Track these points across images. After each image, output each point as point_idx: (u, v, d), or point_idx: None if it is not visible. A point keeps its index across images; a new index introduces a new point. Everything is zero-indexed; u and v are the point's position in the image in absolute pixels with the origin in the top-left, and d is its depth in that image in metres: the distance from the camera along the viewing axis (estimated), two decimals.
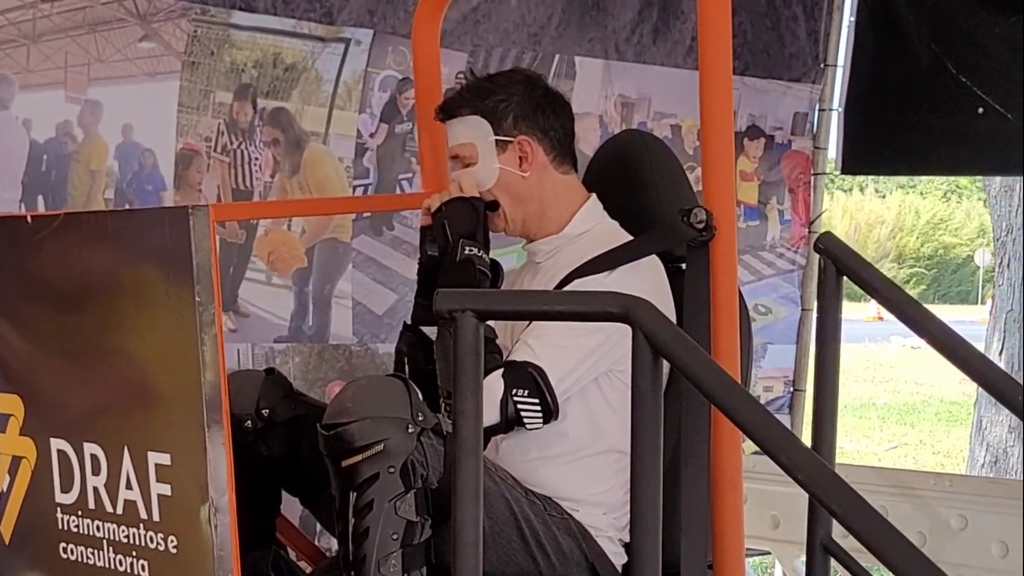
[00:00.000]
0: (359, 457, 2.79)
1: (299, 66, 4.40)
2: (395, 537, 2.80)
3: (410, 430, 2.81)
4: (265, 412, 3.14)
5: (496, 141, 3.17)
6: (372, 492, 2.79)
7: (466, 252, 3.08)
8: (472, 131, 3.18)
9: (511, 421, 2.95)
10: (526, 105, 3.18)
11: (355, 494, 2.81)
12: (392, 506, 2.79)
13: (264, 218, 4.28)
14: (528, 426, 2.96)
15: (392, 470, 2.79)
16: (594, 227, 3.22)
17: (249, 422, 3.11)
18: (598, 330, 2.94)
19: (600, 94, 5.11)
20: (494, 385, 2.92)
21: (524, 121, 3.17)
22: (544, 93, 3.23)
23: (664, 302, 3.02)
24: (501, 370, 2.96)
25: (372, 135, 4.57)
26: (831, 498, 2.06)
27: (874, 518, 2.00)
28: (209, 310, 2.44)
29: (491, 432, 2.96)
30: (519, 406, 2.94)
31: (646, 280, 3.05)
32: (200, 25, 4.18)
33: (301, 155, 4.44)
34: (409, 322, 3.27)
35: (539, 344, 2.99)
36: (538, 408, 2.94)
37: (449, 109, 3.23)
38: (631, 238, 3.15)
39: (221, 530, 2.47)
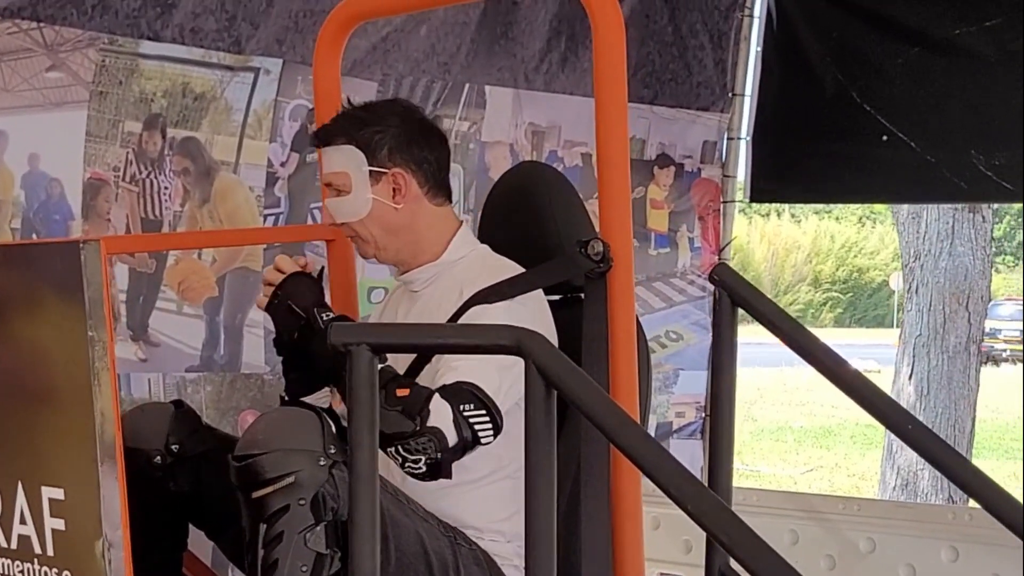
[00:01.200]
0: (270, 489, 2.79)
1: (208, 95, 4.39)
2: (304, 569, 2.79)
3: (321, 463, 2.80)
4: (175, 447, 3.12)
5: (370, 172, 3.17)
6: (282, 524, 2.78)
7: (324, 318, 3.06)
8: (346, 160, 3.18)
9: (468, 442, 2.91)
10: (401, 137, 3.18)
11: (265, 525, 2.80)
12: (302, 538, 2.78)
13: (159, 250, 4.25)
14: (483, 441, 2.93)
15: (303, 502, 2.78)
16: (469, 252, 3.24)
17: (159, 457, 3.09)
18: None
19: (511, 123, 5.12)
20: (439, 407, 2.89)
21: (399, 153, 3.18)
22: (420, 126, 3.24)
23: (549, 335, 3.03)
24: (436, 394, 2.94)
25: (283, 164, 4.55)
26: (720, 529, 2.08)
27: (761, 548, 2.02)
28: (102, 345, 2.43)
29: (453, 456, 2.90)
30: (471, 420, 2.91)
31: (538, 311, 3.07)
32: (108, 55, 4.16)
33: (211, 184, 4.42)
34: (286, 396, 3.19)
35: (462, 366, 2.97)
36: (488, 421, 2.92)
37: (324, 136, 3.23)
38: (509, 262, 3.17)
39: (116, 565, 2.46)
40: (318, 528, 2.79)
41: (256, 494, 2.80)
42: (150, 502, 3.00)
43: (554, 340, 3.00)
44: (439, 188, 3.24)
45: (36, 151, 4.08)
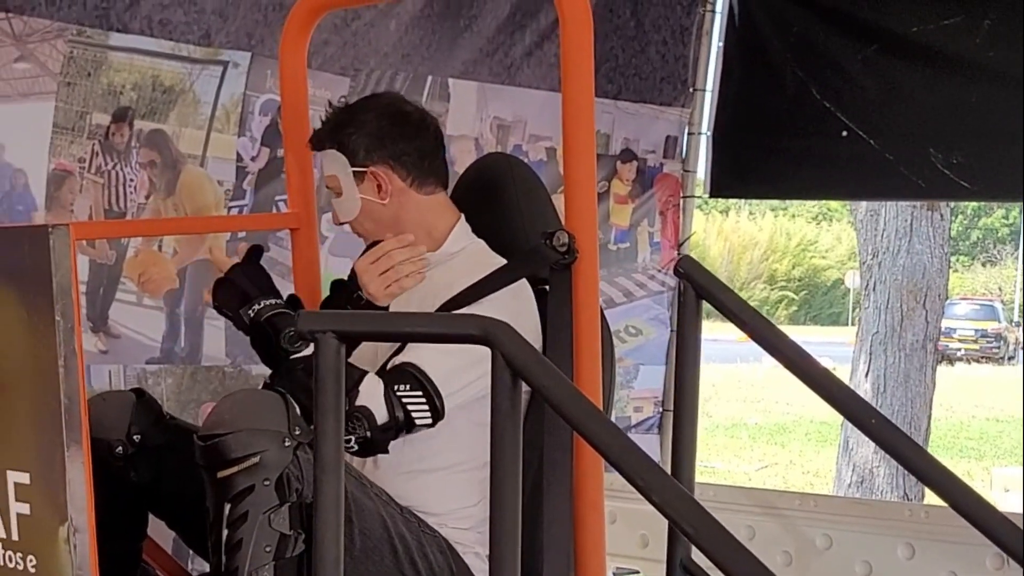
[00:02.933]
0: (235, 469, 2.80)
1: (177, 88, 4.38)
2: (268, 549, 2.81)
3: (286, 444, 2.82)
4: (136, 438, 3.12)
5: (353, 172, 3.22)
6: (247, 504, 2.80)
7: (251, 313, 3.11)
8: (333, 164, 3.23)
9: (400, 422, 2.94)
10: (373, 135, 3.21)
11: (229, 505, 2.81)
12: (266, 518, 2.80)
13: (127, 236, 4.24)
14: (418, 422, 2.95)
15: (267, 483, 2.80)
16: (467, 246, 3.25)
17: (120, 448, 3.09)
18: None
19: (475, 116, 5.13)
20: (371, 387, 2.93)
21: (375, 151, 3.21)
22: (393, 119, 3.24)
23: (533, 326, 3.05)
24: (373, 372, 2.97)
25: (254, 159, 4.55)
26: (685, 520, 2.09)
27: (727, 541, 2.04)
28: (69, 330, 2.43)
29: (385, 435, 2.94)
30: (404, 400, 2.94)
31: (517, 305, 3.08)
32: (76, 46, 4.14)
33: (177, 177, 4.41)
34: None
35: (415, 351, 3.00)
36: (423, 402, 2.95)
37: (316, 143, 3.30)
38: (501, 260, 3.18)
39: (80, 550, 2.46)
40: (282, 509, 2.81)
41: (221, 474, 2.81)
42: (110, 491, 2.99)
43: (537, 333, 3.03)
44: (425, 176, 3.25)
45: (1, 142, 4.07)
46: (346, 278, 3.26)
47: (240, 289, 3.16)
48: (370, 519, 2.99)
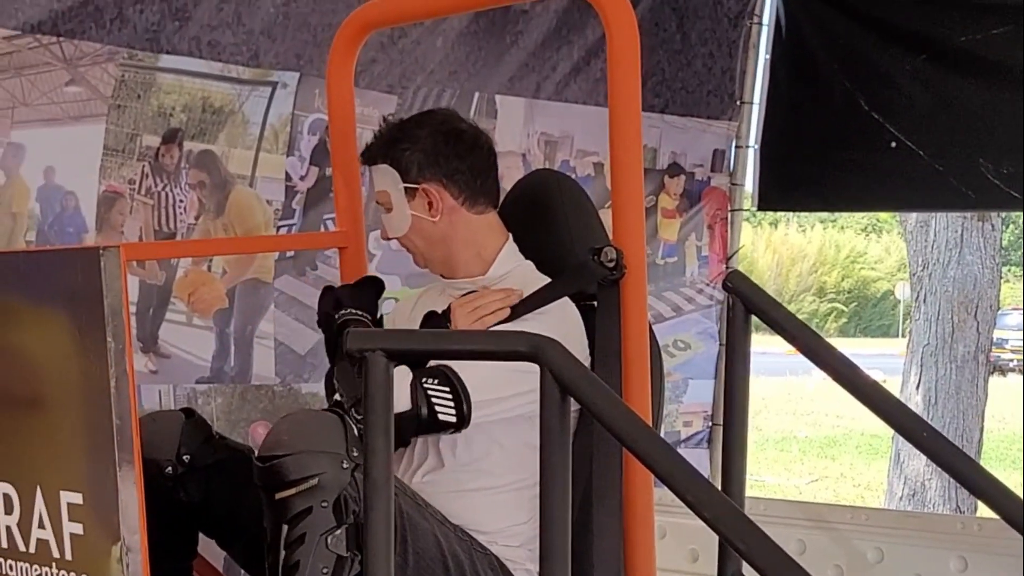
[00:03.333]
0: (293, 490, 2.81)
1: (227, 109, 4.39)
2: (325, 571, 2.81)
3: (344, 465, 2.82)
4: (186, 458, 3.13)
5: (405, 189, 3.21)
6: (304, 526, 2.80)
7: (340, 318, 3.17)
8: (385, 179, 3.23)
9: (424, 414, 2.94)
10: (428, 153, 3.20)
11: (287, 527, 2.82)
12: (323, 540, 2.80)
13: (176, 257, 4.26)
14: (441, 418, 2.95)
15: (325, 504, 2.81)
16: (514, 269, 3.25)
17: (170, 468, 3.11)
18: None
19: (522, 132, 5.13)
20: (400, 376, 2.88)
21: (428, 168, 3.20)
22: (447, 137, 3.24)
23: (579, 342, 3.05)
24: (404, 366, 2.96)
25: (303, 178, 4.56)
26: (735, 535, 2.08)
27: (777, 554, 2.03)
28: (120, 351, 2.44)
29: (403, 424, 2.89)
30: (430, 394, 2.94)
31: (564, 322, 3.08)
32: (128, 69, 4.16)
33: (226, 197, 4.43)
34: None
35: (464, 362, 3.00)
36: (450, 401, 2.95)
37: (368, 157, 3.28)
38: (548, 280, 3.18)
39: (133, 569, 2.47)
40: (339, 531, 2.81)
41: (279, 495, 2.82)
42: (160, 511, 3.00)
43: (585, 349, 3.03)
44: (477, 196, 3.25)
45: (52, 164, 4.09)
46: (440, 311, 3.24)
47: (336, 298, 3.20)
48: (424, 539, 2.99)
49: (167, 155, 4.27)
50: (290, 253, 4.54)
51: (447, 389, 2.95)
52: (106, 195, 4.17)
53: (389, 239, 3.31)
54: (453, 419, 2.97)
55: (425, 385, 2.94)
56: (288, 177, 4.52)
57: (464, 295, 3.18)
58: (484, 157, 3.28)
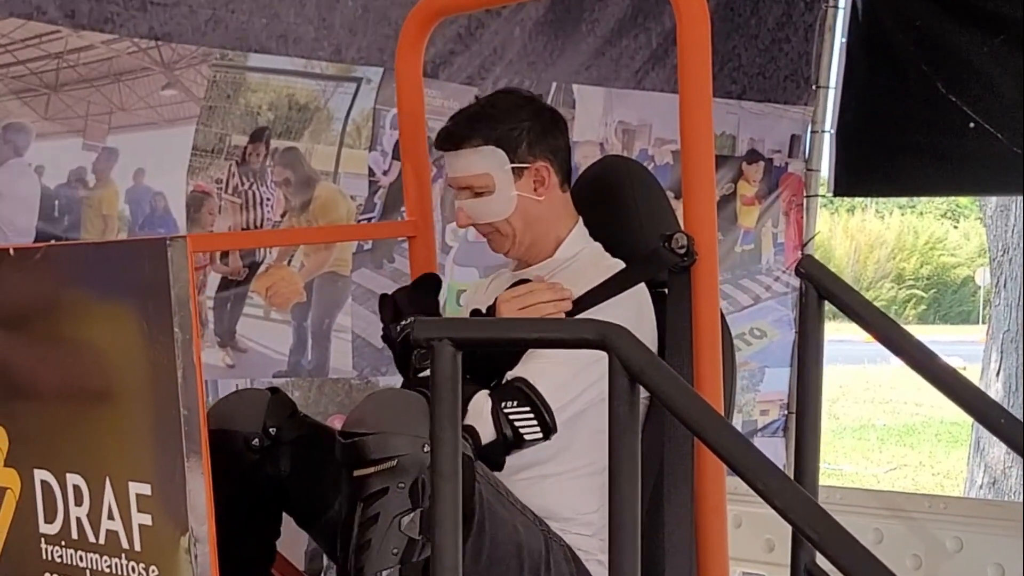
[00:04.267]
0: (371, 469, 2.80)
1: (312, 106, 4.40)
2: (395, 552, 2.80)
3: (425, 449, 2.79)
4: (272, 430, 3.13)
5: (512, 169, 3.15)
6: (378, 505, 2.80)
7: (402, 328, 3.13)
8: (487, 161, 3.15)
9: (509, 437, 2.94)
10: (537, 130, 3.17)
11: (362, 505, 2.81)
12: (397, 522, 2.79)
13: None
14: (527, 438, 2.95)
15: (402, 486, 2.79)
16: (582, 251, 3.23)
17: (256, 440, 3.11)
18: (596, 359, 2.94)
19: (601, 122, 5.11)
20: (479, 401, 2.94)
21: (538, 146, 3.17)
22: (550, 114, 3.24)
23: (651, 330, 3.02)
24: (485, 391, 2.97)
25: (385, 173, 4.56)
26: (808, 524, 2.05)
27: (852, 545, 1.99)
28: (187, 341, 2.44)
29: (493, 452, 2.95)
30: (511, 417, 2.94)
31: (637, 311, 3.06)
32: (219, 70, 4.18)
33: (311, 194, 4.43)
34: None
35: (528, 365, 3.00)
36: (532, 418, 2.94)
37: (457, 140, 3.19)
38: (617, 262, 3.15)
39: (201, 560, 2.47)
40: (413, 513, 2.80)
41: (357, 473, 2.81)
42: (246, 486, 3.04)
43: (655, 337, 3.01)
44: (568, 174, 3.24)
45: (142, 166, 4.11)
46: (483, 310, 3.22)
47: (395, 307, 3.17)
48: (502, 528, 2.97)
49: (253, 154, 4.29)
50: (367, 246, 4.54)
51: (527, 408, 2.95)
52: (194, 195, 4.20)
53: (472, 225, 3.24)
54: (539, 435, 2.97)
55: (506, 410, 2.94)
56: (371, 172, 4.52)
57: (511, 287, 3.15)
58: (567, 136, 3.27)
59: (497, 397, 2.96)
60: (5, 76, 3.84)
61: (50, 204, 3.94)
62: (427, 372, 2.93)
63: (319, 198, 4.44)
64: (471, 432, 2.91)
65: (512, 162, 3.15)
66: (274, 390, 3.23)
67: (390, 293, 3.26)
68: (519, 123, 3.16)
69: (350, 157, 4.49)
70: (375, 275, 4.57)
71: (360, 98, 4.46)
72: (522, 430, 2.95)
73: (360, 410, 2.89)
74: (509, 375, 3.01)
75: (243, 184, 4.28)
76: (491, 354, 3.05)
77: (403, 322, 3.12)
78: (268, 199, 4.34)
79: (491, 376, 3.06)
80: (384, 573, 2.80)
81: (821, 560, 2.93)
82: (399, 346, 3.11)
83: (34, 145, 3.91)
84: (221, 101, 4.20)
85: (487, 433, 2.93)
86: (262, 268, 4.36)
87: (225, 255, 4.29)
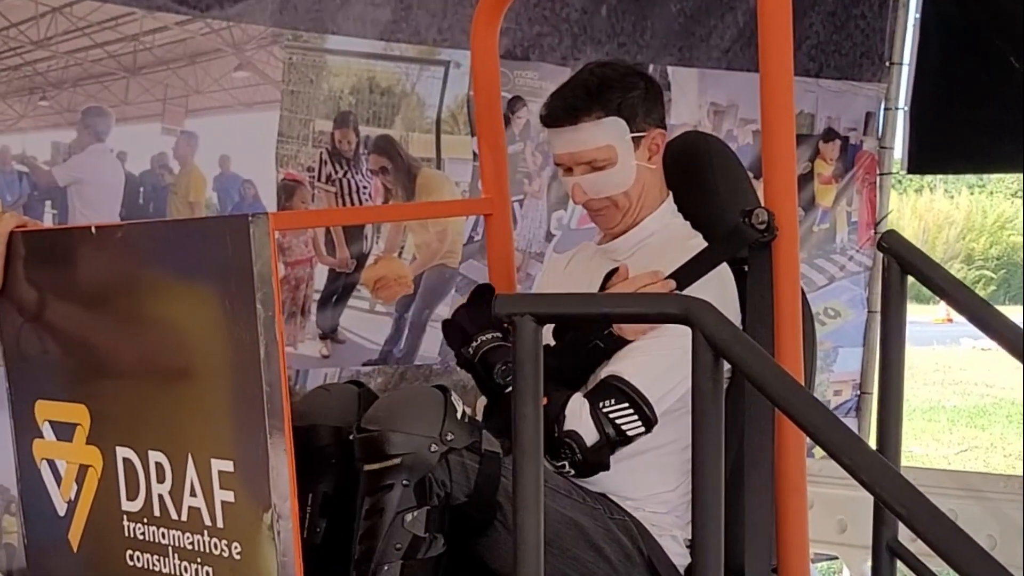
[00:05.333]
0: (377, 465, 2.84)
1: (395, 90, 4.38)
2: (398, 548, 2.83)
3: (433, 449, 2.83)
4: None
5: (632, 138, 3.12)
6: (384, 501, 2.83)
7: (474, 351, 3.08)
8: (608, 133, 3.10)
9: (613, 437, 2.94)
10: (650, 97, 3.16)
11: (369, 498, 2.85)
12: (400, 518, 2.82)
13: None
14: (630, 433, 2.95)
15: (407, 483, 2.82)
16: (669, 223, 3.21)
17: (351, 435, 3.11)
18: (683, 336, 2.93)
19: (696, 104, 5.09)
20: (576, 404, 2.94)
21: (653, 114, 3.16)
22: (653, 82, 3.23)
23: (734, 307, 3.01)
24: (580, 392, 2.98)
25: None
26: (896, 499, 2.04)
27: (940, 519, 1.99)
28: (270, 318, 2.44)
29: (599, 453, 2.95)
30: (611, 415, 2.94)
31: (722, 289, 3.04)
32: (295, 52, 4.17)
33: (413, 181, 4.43)
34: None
35: (621, 362, 2.99)
36: (632, 413, 2.94)
37: (574, 113, 3.13)
38: (699, 239, 3.14)
39: (284, 536, 2.48)
40: (418, 511, 2.82)
41: (367, 467, 2.86)
42: (345, 477, 3.03)
43: (738, 313, 2.99)
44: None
45: (226, 153, 4.12)
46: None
47: (461, 328, 3.14)
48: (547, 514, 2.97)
49: (343, 140, 4.28)
50: (478, 237, 4.51)
51: (625, 404, 2.94)
52: (285, 183, 4.19)
53: (592, 200, 3.18)
54: (642, 429, 2.97)
55: (604, 410, 2.94)
56: (475, 157, 4.50)
57: (607, 276, 3.10)
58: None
59: (594, 398, 2.95)
60: (84, 60, 3.86)
61: (135, 190, 3.96)
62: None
63: (423, 185, 4.43)
64: (574, 437, 2.93)
65: (632, 131, 3.12)
66: (359, 384, 3.22)
67: (449, 317, 3.23)
68: (633, 91, 3.14)
69: (451, 143, 4.47)
70: (481, 266, 4.54)
71: (452, 84, 4.43)
72: (624, 426, 2.94)
73: (376, 407, 2.93)
74: (602, 374, 3.00)
75: (336, 172, 4.27)
76: (580, 355, 3.04)
77: (474, 343, 3.08)
78: (365, 187, 4.33)
79: (580, 379, 3.06)
80: (386, 567, 2.83)
81: (902, 537, 2.92)
82: (479, 367, 3.07)
83: (115, 130, 3.92)
84: (304, 86, 4.19)
85: (590, 435, 2.93)
86: (370, 260, 4.36)
87: (331, 247, 4.29)
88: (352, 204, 4.29)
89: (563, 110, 3.14)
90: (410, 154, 4.39)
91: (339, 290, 4.32)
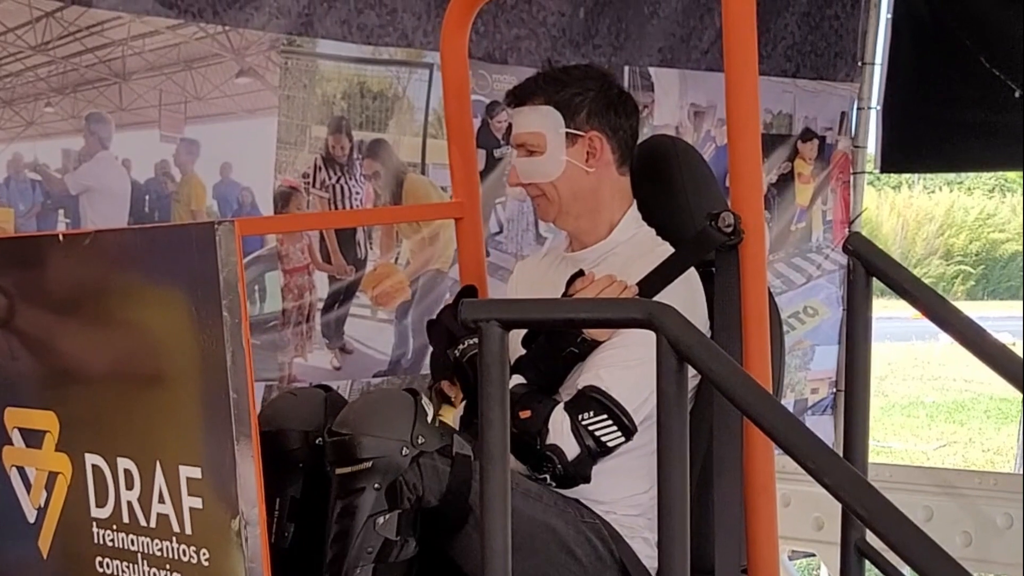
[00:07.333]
0: (348, 469, 2.85)
1: (386, 94, 4.37)
2: (369, 551, 2.84)
3: (404, 452, 2.84)
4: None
5: (567, 134, 3.16)
6: (355, 504, 2.85)
7: (460, 353, 3.12)
8: (543, 120, 3.17)
9: (593, 448, 2.97)
10: (600, 101, 3.18)
11: (341, 502, 2.86)
12: (372, 521, 2.84)
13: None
14: (610, 444, 2.98)
15: (377, 487, 2.84)
16: (635, 234, 3.23)
17: (319, 440, 3.10)
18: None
19: (677, 105, 5.10)
20: (558, 418, 2.97)
21: (597, 117, 3.18)
22: (618, 92, 3.24)
23: (702, 311, 3.03)
24: (561, 405, 2.99)
25: None
26: (857, 502, 2.04)
27: (901, 521, 1.99)
28: (236, 325, 2.44)
29: (581, 465, 2.98)
30: (591, 428, 2.96)
31: (690, 295, 3.06)
32: (290, 56, 4.16)
33: (401, 187, 4.42)
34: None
35: (598, 371, 3.01)
36: (611, 424, 2.97)
37: (522, 96, 3.22)
38: (667, 247, 3.15)
39: (252, 543, 2.48)
40: (389, 515, 2.84)
41: (338, 471, 2.87)
42: (312, 480, 3.05)
43: (705, 320, 3.01)
44: (626, 157, 3.24)
45: (228, 160, 4.10)
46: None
47: (447, 330, 3.16)
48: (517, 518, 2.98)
49: (337, 146, 4.27)
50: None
51: (604, 416, 2.97)
52: (282, 190, 4.18)
53: (522, 184, 3.25)
54: (622, 439, 3.00)
55: (584, 422, 2.96)
56: None
57: (570, 280, 3.12)
58: (638, 124, 3.28)
59: (573, 411, 2.97)
60: (79, 65, 3.84)
61: (140, 198, 3.94)
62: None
63: (409, 191, 4.42)
64: (555, 451, 2.96)
65: (567, 127, 3.16)
66: (326, 388, 3.24)
67: (434, 317, 3.26)
68: (584, 91, 3.18)
69: (436, 147, 4.46)
70: None
71: (436, 87, 4.42)
72: (603, 438, 2.97)
73: (346, 411, 2.94)
74: (580, 383, 3.02)
75: (330, 178, 4.26)
76: (556, 363, 3.07)
77: (460, 346, 3.10)
78: (357, 193, 4.32)
79: (557, 385, 3.09)
80: (358, 570, 2.84)
81: (871, 538, 2.92)
82: (467, 368, 3.09)
83: (115, 137, 3.90)
84: (298, 90, 4.18)
85: (571, 449, 2.96)
86: (369, 267, 4.36)
87: (326, 254, 4.29)
88: (344, 209, 4.28)
89: (514, 91, 3.24)
90: (399, 158, 4.39)
91: (341, 297, 4.31)
